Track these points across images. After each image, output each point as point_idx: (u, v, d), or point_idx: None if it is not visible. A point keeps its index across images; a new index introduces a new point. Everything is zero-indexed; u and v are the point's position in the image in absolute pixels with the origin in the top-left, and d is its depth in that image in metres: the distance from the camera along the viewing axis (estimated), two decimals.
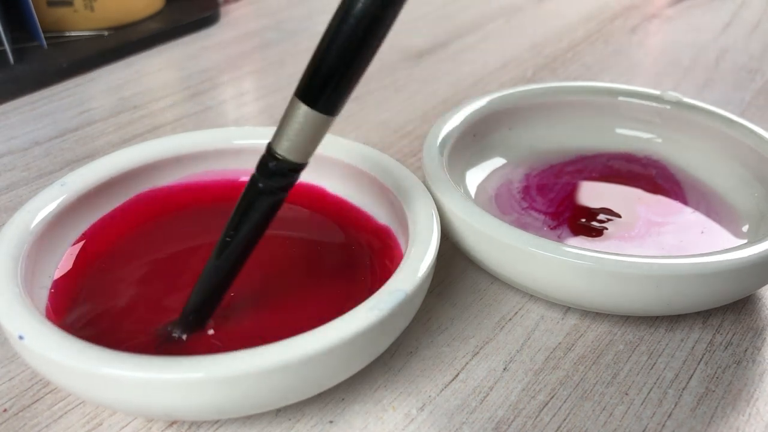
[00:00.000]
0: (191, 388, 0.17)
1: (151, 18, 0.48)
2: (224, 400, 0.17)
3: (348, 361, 0.19)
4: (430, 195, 0.23)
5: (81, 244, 0.23)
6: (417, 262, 0.20)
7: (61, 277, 0.22)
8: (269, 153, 0.19)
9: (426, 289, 0.21)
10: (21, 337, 0.17)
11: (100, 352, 0.17)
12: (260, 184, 0.19)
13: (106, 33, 0.45)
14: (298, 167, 0.19)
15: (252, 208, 0.19)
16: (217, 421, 0.20)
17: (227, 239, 0.20)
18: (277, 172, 0.19)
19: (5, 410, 0.20)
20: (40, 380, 0.21)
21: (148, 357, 0.17)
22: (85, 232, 0.24)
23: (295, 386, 0.18)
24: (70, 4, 0.43)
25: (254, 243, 0.20)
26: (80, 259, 0.23)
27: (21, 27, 0.42)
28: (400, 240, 0.23)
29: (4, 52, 0.40)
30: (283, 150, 0.19)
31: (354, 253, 0.24)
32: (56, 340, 0.17)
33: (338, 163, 0.26)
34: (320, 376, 0.18)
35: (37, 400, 0.21)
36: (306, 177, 0.26)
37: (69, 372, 0.17)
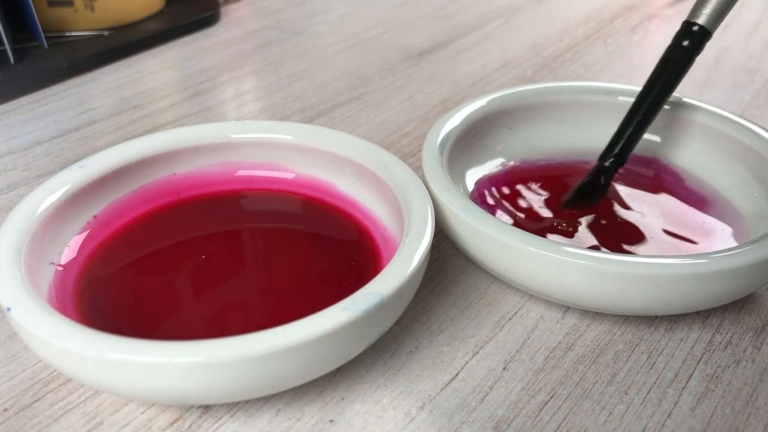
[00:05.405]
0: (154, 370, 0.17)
1: (151, 18, 0.48)
2: (186, 386, 0.17)
3: (319, 359, 0.18)
4: (430, 200, 0.23)
5: (88, 231, 0.24)
6: (401, 267, 0.20)
7: (70, 259, 0.23)
8: (689, 24, 0.26)
9: (410, 294, 0.21)
10: (8, 309, 0.18)
11: (83, 330, 0.17)
12: (685, 42, 0.26)
13: (106, 33, 0.45)
14: (710, 34, 0.26)
15: (673, 64, 0.27)
16: (217, 420, 0.20)
17: (653, 83, 0.27)
18: (697, 35, 0.26)
19: (6, 409, 0.20)
20: (41, 380, 0.21)
21: (123, 338, 0.17)
22: (95, 216, 0.24)
23: (265, 379, 0.18)
24: (71, 4, 0.43)
25: (670, 93, 0.27)
26: (85, 246, 0.23)
27: (21, 27, 0.42)
28: (398, 240, 0.23)
29: (4, 52, 0.40)
30: (702, 20, 0.26)
31: (359, 249, 0.24)
32: (42, 315, 0.18)
33: (347, 161, 0.26)
34: (296, 369, 0.18)
35: (38, 399, 0.21)
36: (316, 172, 0.27)
37: (56, 350, 0.17)
